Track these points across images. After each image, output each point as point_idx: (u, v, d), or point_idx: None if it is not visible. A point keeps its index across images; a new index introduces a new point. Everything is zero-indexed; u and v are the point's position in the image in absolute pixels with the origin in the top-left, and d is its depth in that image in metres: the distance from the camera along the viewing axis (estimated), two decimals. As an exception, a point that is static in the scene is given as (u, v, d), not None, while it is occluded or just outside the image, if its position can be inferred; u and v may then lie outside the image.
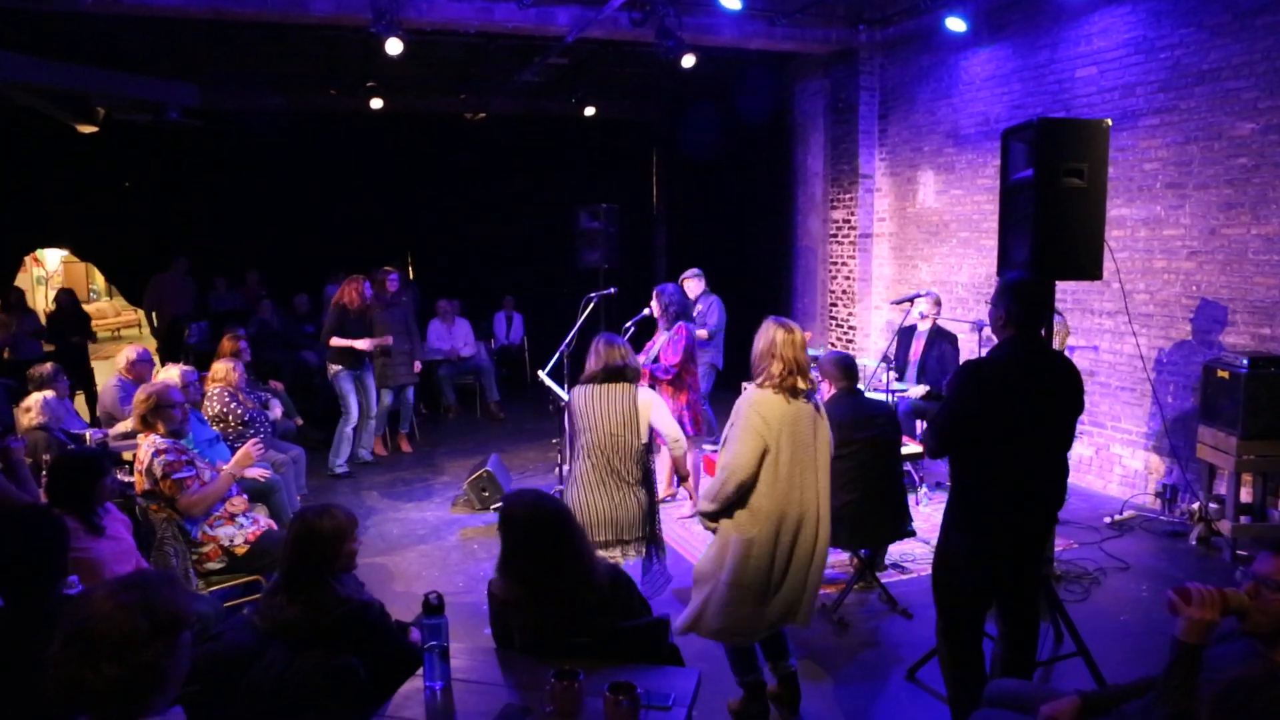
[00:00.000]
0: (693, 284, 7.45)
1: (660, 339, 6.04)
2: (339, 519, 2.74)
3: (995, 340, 3.29)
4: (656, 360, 5.93)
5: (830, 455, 3.50)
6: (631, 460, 3.85)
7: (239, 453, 4.50)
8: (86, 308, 11.23)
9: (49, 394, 5.31)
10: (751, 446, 3.26)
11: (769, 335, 3.37)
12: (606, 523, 3.82)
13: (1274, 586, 2.12)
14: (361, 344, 7.14)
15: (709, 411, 6.64)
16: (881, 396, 6.10)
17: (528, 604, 2.61)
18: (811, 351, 7.56)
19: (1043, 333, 3.40)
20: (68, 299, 9.70)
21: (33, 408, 5.08)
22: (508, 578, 2.66)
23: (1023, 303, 3.17)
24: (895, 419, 4.84)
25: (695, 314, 7.16)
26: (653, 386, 5.96)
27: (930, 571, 3.38)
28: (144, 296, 10.39)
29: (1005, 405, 3.07)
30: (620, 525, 3.84)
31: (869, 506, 4.45)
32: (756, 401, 3.33)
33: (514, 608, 2.64)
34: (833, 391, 4.59)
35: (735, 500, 3.32)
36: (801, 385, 3.34)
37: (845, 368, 4.62)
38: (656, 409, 3.96)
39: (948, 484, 3.33)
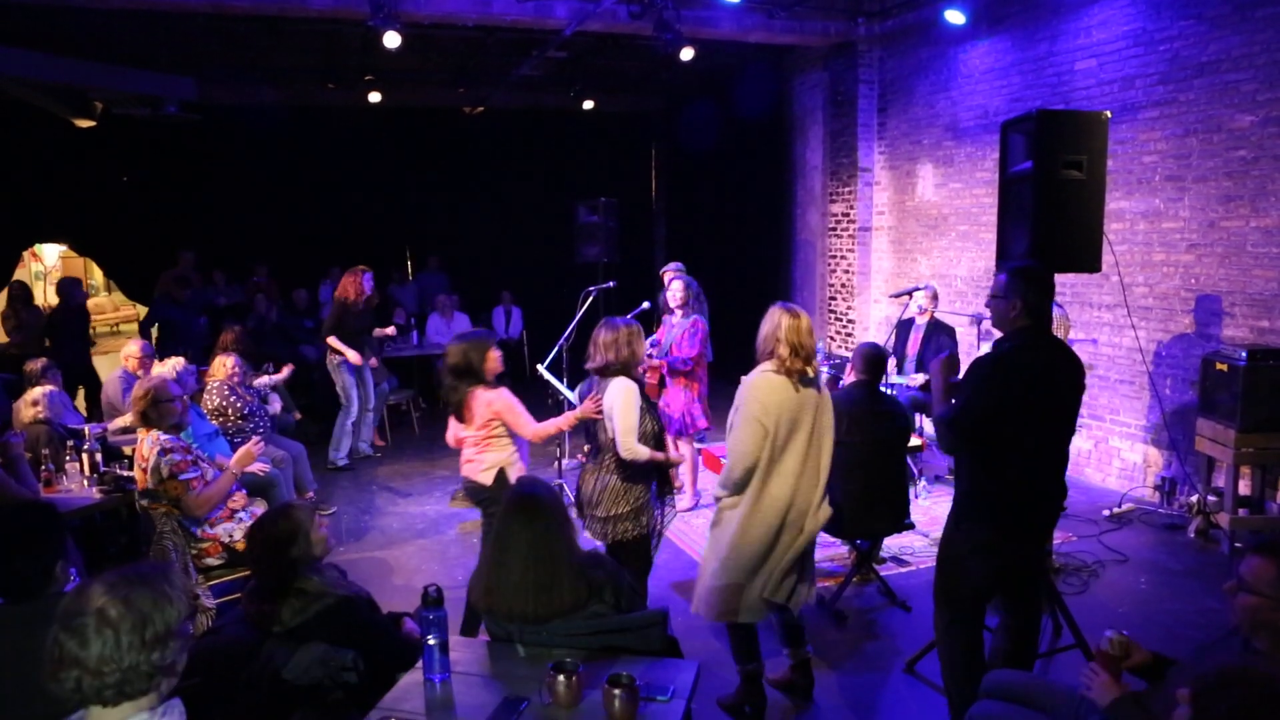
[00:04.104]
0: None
1: (672, 331, 6.03)
2: (297, 516, 2.78)
3: (997, 334, 3.24)
4: (669, 352, 5.92)
5: (832, 441, 3.51)
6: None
7: (240, 452, 4.47)
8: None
9: (52, 388, 5.31)
10: (752, 432, 3.32)
11: (774, 319, 3.40)
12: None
13: (1247, 589, 2.14)
14: (353, 356, 7.17)
15: None
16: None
17: (519, 588, 2.59)
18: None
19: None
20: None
21: (40, 401, 5.08)
22: (496, 561, 2.65)
23: (1038, 291, 3.11)
24: (909, 417, 4.82)
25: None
26: (663, 379, 5.96)
27: (935, 564, 3.36)
28: (156, 292, 10.26)
29: (1027, 398, 3.02)
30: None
31: (868, 498, 4.45)
32: (757, 385, 3.36)
33: (502, 598, 2.63)
34: (852, 379, 4.60)
35: (744, 484, 3.39)
36: (808, 371, 3.38)
37: (871, 360, 4.58)
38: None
39: (949, 477, 3.33)
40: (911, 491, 6.14)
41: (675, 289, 6.05)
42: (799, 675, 3.73)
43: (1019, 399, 3.02)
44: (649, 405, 3.83)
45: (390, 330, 7.71)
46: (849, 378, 4.64)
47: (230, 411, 5.72)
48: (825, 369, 6.99)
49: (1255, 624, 2.13)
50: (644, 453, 3.71)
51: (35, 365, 5.64)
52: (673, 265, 7.43)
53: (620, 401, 3.72)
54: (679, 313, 6.05)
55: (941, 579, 3.32)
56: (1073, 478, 6.79)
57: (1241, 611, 2.15)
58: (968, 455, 3.20)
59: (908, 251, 8.83)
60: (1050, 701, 2.63)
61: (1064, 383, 3.14)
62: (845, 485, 4.25)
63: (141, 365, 5.94)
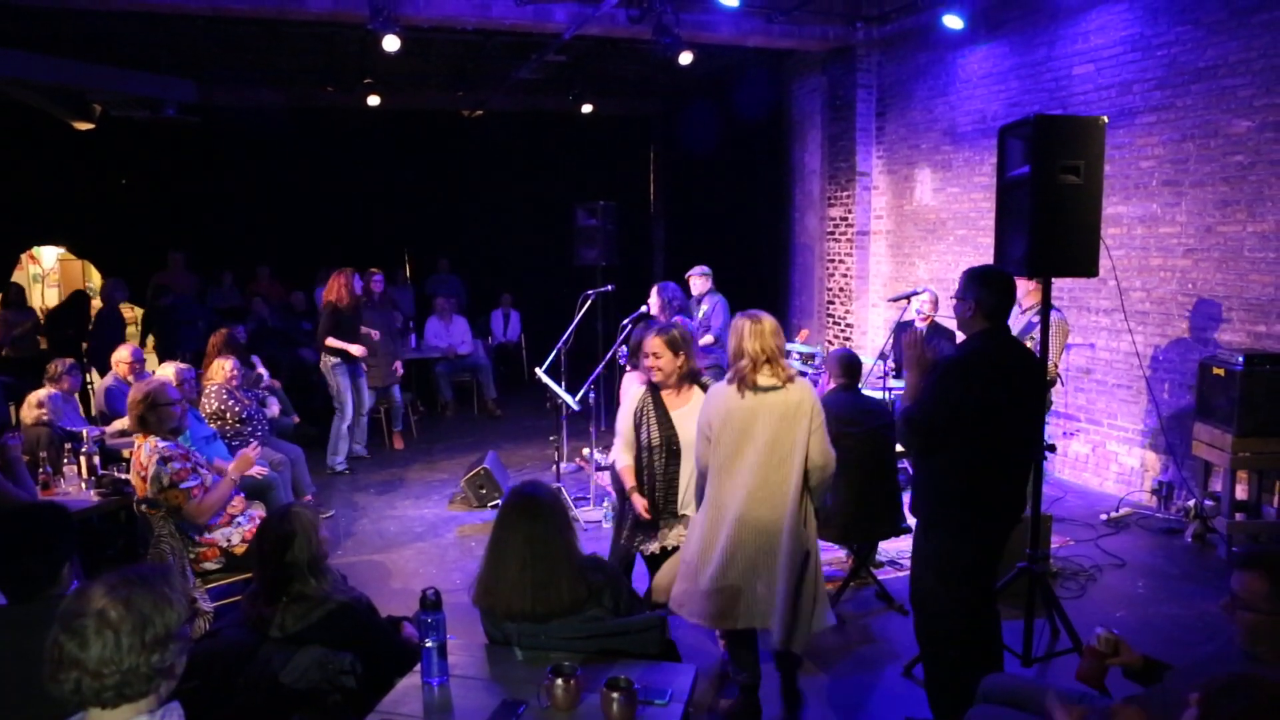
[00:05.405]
0: (699, 281, 7.43)
1: None
2: (303, 518, 2.79)
3: (963, 335, 3.31)
4: None
5: (821, 449, 3.32)
6: None
7: (239, 457, 4.43)
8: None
9: (55, 390, 5.31)
10: (698, 440, 3.43)
11: (737, 330, 3.33)
12: None
13: (1243, 605, 2.15)
14: (356, 349, 7.13)
15: None
16: (879, 394, 6.11)
17: (516, 586, 2.59)
18: (808, 349, 7.55)
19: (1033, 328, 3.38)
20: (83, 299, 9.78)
21: (45, 403, 5.07)
22: (495, 560, 2.65)
23: (993, 292, 3.18)
24: (891, 416, 4.85)
25: (701, 313, 7.17)
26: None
27: (909, 577, 3.37)
28: (147, 294, 10.26)
29: (987, 398, 3.06)
30: None
31: (862, 502, 4.46)
32: (708, 395, 3.45)
33: (501, 596, 2.62)
34: (831, 386, 4.64)
35: (701, 490, 3.51)
36: (763, 380, 3.25)
37: (846, 365, 4.69)
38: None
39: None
40: (909, 496, 6.15)
41: (651, 297, 6.11)
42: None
43: (979, 399, 3.06)
44: (660, 414, 3.71)
45: (374, 335, 7.47)
46: (827, 385, 4.68)
47: (228, 415, 5.72)
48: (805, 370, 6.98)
49: (1255, 637, 2.14)
50: (613, 456, 3.78)
51: (59, 366, 5.61)
52: (696, 269, 7.47)
53: (622, 400, 3.87)
54: (661, 319, 6.08)
55: (917, 591, 3.33)
56: (1070, 482, 6.86)
57: (1241, 626, 2.16)
58: (937, 460, 3.21)
59: (906, 256, 8.84)
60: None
61: (1022, 385, 3.18)
62: (838, 489, 4.25)
63: (132, 371, 5.92)
